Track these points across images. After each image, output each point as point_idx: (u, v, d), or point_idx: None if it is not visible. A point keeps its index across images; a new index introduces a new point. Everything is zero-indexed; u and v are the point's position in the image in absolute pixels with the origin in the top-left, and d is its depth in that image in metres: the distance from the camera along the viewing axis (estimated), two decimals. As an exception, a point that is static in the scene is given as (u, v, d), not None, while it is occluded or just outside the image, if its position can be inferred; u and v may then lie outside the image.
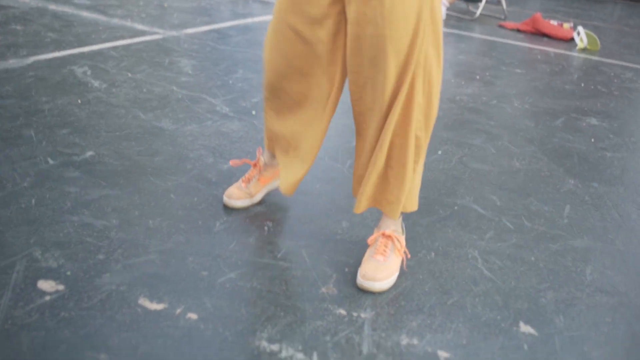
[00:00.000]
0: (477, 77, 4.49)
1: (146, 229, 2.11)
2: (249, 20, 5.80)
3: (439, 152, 2.99)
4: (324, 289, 1.85)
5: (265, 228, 2.17)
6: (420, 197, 2.50)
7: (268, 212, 2.29)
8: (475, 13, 7.11)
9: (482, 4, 7.01)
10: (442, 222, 2.32)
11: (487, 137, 3.27)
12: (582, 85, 4.59)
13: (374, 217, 2.30)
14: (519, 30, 6.62)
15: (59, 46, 4.35)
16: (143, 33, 4.91)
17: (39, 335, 1.57)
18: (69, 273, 1.83)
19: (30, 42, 4.41)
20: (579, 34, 6.16)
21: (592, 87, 4.57)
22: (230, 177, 2.54)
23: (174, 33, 4.99)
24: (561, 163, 3.02)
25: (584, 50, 6.00)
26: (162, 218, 2.18)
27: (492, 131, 3.37)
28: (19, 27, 4.83)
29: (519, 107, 3.84)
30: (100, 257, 1.93)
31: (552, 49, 5.83)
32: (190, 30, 5.13)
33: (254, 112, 3.29)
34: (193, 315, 1.69)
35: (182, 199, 2.33)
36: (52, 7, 5.76)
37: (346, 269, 1.96)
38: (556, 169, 2.94)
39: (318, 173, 2.66)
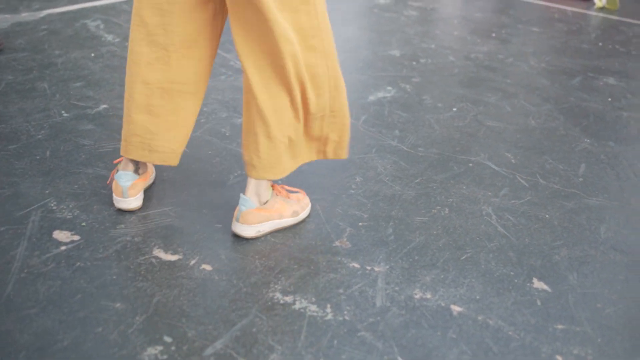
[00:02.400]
0: (493, 35, 4.42)
1: (160, 181, 2.11)
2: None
3: (454, 109, 2.97)
4: (337, 243, 1.85)
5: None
6: (435, 154, 2.49)
7: (282, 167, 2.29)
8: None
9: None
10: (456, 179, 2.31)
11: (502, 95, 3.24)
12: (600, 44, 4.52)
13: (388, 173, 2.29)
14: (536, -12, 6.51)
15: (72, 0, 4.32)
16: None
17: (54, 284, 1.58)
18: (84, 224, 1.84)
19: None
20: (597, -8, 6.06)
21: (610, 46, 4.50)
22: (244, 132, 2.53)
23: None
24: (577, 122, 2.99)
25: (602, 9, 5.90)
26: (176, 171, 2.18)
27: (508, 89, 3.33)
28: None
29: (535, 66, 3.79)
30: (115, 208, 1.93)
31: (569, 8, 5.73)
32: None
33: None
34: (207, 267, 1.70)
35: (196, 152, 2.33)
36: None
37: (360, 224, 1.96)
38: (572, 128, 2.91)
39: (332, 129, 2.64)
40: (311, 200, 2.07)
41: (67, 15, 3.96)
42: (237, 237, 1.84)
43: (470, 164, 2.44)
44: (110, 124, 2.50)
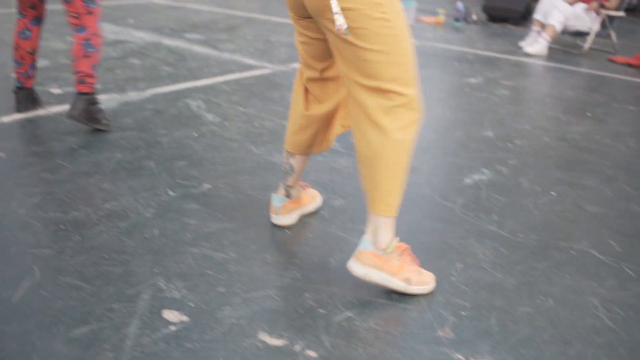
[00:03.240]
0: (588, 114, 4.37)
1: (263, 263, 2.16)
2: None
3: (552, 193, 2.93)
4: (440, 332, 1.84)
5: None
6: (535, 240, 2.45)
7: (381, 251, 2.31)
8: (582, 47, 6.95)
9: (590, 38, 6.84)
10: (558, 267, 2.26)
11: (602, 178, 3.18)
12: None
13: (489, 260, 2.27)
14: (630, 65, 6.41)
15: (175, 80, 4.54)
16: (252, 67, 5.07)
17: (166, 365, 1.63)
18: (192, 304, 1.90)
19: (147, 75, 4.63)
20: (695, 69, 5.92)
21: None
22: (343, 214, 2.57)
23: (282, 67, 5.12)
24: (682, 207, 2.89)
25: (701, 86, 5.75)
26: (278, 253, 2.23)
27: (607, 172, 3.27)
28: (136, 62, 5.08)
29: (634, 147, 3.72)
30: (221, 289, 1.99)
31: (666, 86, 5.61)
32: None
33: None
34: (312, 353, 1.71)
35: (297, 234, 2.38)
36: (167, 41, 6.03)
37: (462, 312, 1.94)
38: (677, 214, 2.82)
39: (428, 212, 2.65)
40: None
41: (170, 95, 4.16)
42: (341, 323, 1.85)
43: (573, 252, 2.39)
44: (214, 204, 2.59)
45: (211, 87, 4.39)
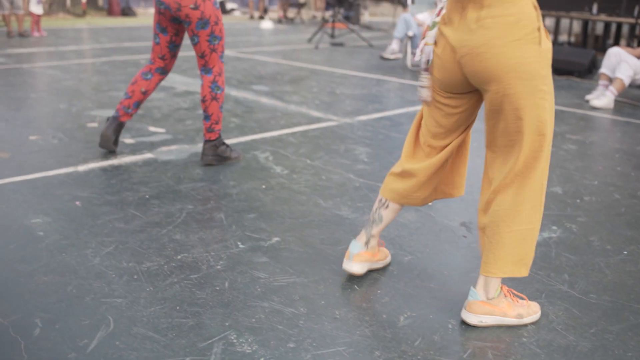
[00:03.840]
0: (660, 170, 4.28)
1: (333, 319, 2.17)
2: (418, 107, 5.92)
3: (624, 253, 2.87)
4: (513, 396, 1.81)
5: (449, 326, 2.17)
6: (608, 301, 2.40)
7: (449, 309, 2.29)
8: (652, 100, 6.82)
9: (660, 92, 6.72)
10: (633, 331, 2.20)
11: (676, 237, 3.10)
12: None
13: (561, 321, 2.23)
14: (702, 120, 6.26)
15: (242, 131, 4.65)
16: (318, 120, 5.15)
17: (239, 421, 1.64)
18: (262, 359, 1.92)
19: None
20: None
21: None
22: (411, 271, 2.57)
23: (347, 120, 5.19)
24: None
25: None
26: (347, 309, 2.24)
27: (682, 231, 3.18)
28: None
29: None
30: (291, 345, 2.00)
31: None
32: (362, 118, 5.32)
33: (430, 203, 3.33)
34: (383, 414, 1.71)
35: (366, 291, 2.39)
36: (234, 93, 6.20)
37: (535, 376, 1.91)
38: None
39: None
40: (484, 349, 2.05)
41: (238, 146, 4.26)
42: (410, 383, 1.84)
43: (649, 315, 2.32)
44: (283, 258, 2.63)
45: (278, 139, 4.48)
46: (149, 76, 3.92)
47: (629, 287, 2.54)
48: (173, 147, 4.19)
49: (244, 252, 2.67)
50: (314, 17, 17.24)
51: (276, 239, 2.82)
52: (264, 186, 3.50)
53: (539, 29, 1.96)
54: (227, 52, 9.43)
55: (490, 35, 1.95)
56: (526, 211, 2.09)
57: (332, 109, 5.61)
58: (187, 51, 9.12)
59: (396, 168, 2.40)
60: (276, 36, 12.55)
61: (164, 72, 3.95)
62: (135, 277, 2.42)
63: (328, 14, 15.48)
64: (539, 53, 1.96)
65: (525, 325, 2.22)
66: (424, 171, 2.33)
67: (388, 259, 2.63)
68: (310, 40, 11.12)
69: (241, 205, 3.20)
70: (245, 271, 2.50)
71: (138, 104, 3.95)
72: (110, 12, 17.48)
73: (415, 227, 3.03)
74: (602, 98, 6.54)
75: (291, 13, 16.45)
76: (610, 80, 6.70)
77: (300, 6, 16.50)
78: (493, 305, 2.20)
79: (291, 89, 6.53)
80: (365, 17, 16.29)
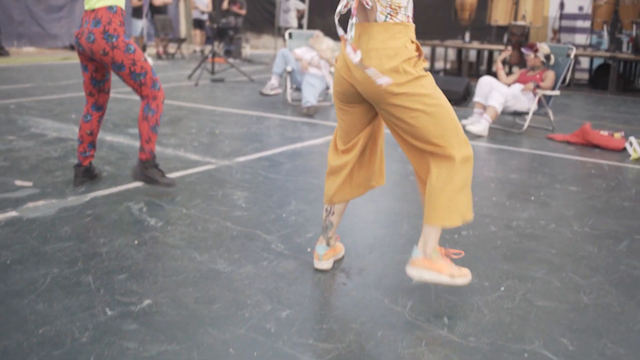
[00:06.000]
0: (532, 197, 4.42)
1: (206, 390, 2.04)
2: (298, 145, 5.88)
3: (502, 289, 2.90)
4: None
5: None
6: (487, 344, 2.40)
7: (330, 366, 2.22)
8: (522, 126, 7.11)
9: (529, 117, 7.01)
10: (512, 373, 2.20)
11: (549, 267, 3.17)
12: (642, 201, 4.47)
13: (441, 370, 2.20)
14: (569, 142, 6.56)
15: (116, 181, 4.45)
16: (196, 163, 5.01)
17: None
18: None
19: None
20: (631, 144, 6.08)
21: (652, 203, 4.45)
22: (290, 326, 2.48)
23: (226, 162, 5.08)
24: (631, 295, 2.89)
25: (638, 160, 5.90)
26: (222, 378, 2.12)
27: (554, 260, 3.26)
28: (76, 161, 4.96)
29: (579, 231, 3.74)
30: None
31: (605, 161, 5.74)
32: (241, 159, 5.22)
33: (309, 249, 3.26)
34: None
35: (242, 354, 2.28)
36: (109, 138, 5.95)
37: None
38: (626, 302, 2.81)
39: (378, 318, 2.58)
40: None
41: (111, 198, 4.06)
42: None
43: (526, 354, 2.34)
44: (155, 323, 2.48)
45: (153, 187, 4.30)
46: (89, 117, 4.24)
47: (507, 326, 2.55)
48: (40, 202, 3.94)
49: (113, 320, 2.50)
50: (195, 51, 17.03)
51: (147, 301, 2.66)
52: (136, 241, 3.33)
53: (414, 57, 2.57)
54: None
55: (372, 65, 2.54)
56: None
57: (210, 151, 5.48)
58: (60, 94, 8.75)
59: (328, 170, 2.95)
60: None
61: (98, 108, 4.26)
62: (-11, 359, 2.20)
63: (209, 48, 15.35)
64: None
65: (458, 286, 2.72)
66: (349, 163, 2.88)
67: (343, 250, 3.23)
68: (190, 76, 10.94)
69: (111, 265, 3.02)
70: (113, 342, 2.33)
71: (92, 145, 4.31)
72: (-22, 52, 16.63)
73: (294, 278, 2.94)
74: (478, 124, 6.75)
75: (172, 48, 16.17)
76: (484, 107, 6.94)
77: (180, 41, 16.26)
78: (431, 263, 2.67)
79: (169, 130, 6.35)
80: (247, 50, 16.23)
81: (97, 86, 4.17)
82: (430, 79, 2.63)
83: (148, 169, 4.16)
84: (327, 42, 8.18)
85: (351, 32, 2.57)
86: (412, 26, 2.62)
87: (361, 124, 2.83)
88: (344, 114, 2.82)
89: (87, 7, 3.90)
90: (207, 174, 4.72)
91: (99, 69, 4.11)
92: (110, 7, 3.86)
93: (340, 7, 2.59)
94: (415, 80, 2.56)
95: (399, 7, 2.55)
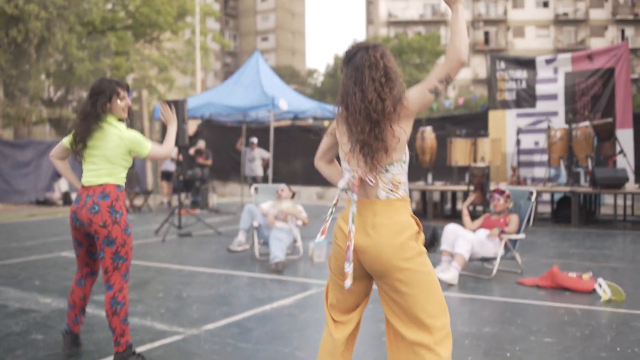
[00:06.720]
0: (508, 354, 4.33)
1: None
2: (267, 307, 5.76)
3: None
4: None
5: None
6: None
7: None
8: (491, 271, 7.13)
9: (497, 261, 7.04)
10: None
11: None
12: (618, 349, 4.41)
13: None
14: (538, 286, 6.56)
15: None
16: (163, 334, 4.86)
17: None
18: None
19: (50, 355, 4.34)
20: (600, 286, 6.10)
21: (629, 350, 4.39)
22: None
23: (194, 331, 4.94)
24: None
25: (609, 302, 5.90)
26: None
27: None
28: (40, 337, 4.79)
29: (558, 391, 3.65)
30: None
31: (577, 306, 5.72)
32: (210, 326, 5.08)
33: None
34: None
35: None
36: (72, 309, 5.77)
37: None
38: None
39: None
40: None
41: (73, 382, 3.88)
42: None
43: None
44: None
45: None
46: (82, 282, 4.29)
47: None
48: (-3, 390, 3.74)
49: None
50: (162, 203, 17.09)
51: None
52: None
53: (415, 232, 2.74)
54: (69, 261, 8.98)
55: (382, 239, 2.69)
56: None
57: (178, 318, 5.33)
58: (25, 256, 8.60)
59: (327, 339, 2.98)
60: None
61: (93, 274, 4.32)
62: None
63: (175, 199, 15.43)
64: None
65: None
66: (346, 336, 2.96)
67: None
68: (157, 232, 10.89)
69: None
70: None
71: (83, 310, 4.31)
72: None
73: None
74: (447, 272, 6.74)
75: (138, 201, 16.22)
76: (452, 255, 6.97)
77: (147, 193, 16.34)
78: None
79: (135, 296, 6.21)
80: (214, 199, 16.34)
81: (94, 257, 4.27)
82: (427, 255, 2.82)
83: (127, 359, 4.07)
84: (286, 203, 8.28)
85: (352, 208, 2.70)
86: (409, 200, 2.83)
87: (358, 300, 2.95)
88: (341, 291, 2.90)
89: (88, 183, 4.03)
90: (174, 346, 4.57)
91: (93, 244, 4.20)
92: (118, 186, 4.07)
93: (343, 184, 2.72)
94: (418, 256, 2.73)
95: (400, 182, 2.73)
